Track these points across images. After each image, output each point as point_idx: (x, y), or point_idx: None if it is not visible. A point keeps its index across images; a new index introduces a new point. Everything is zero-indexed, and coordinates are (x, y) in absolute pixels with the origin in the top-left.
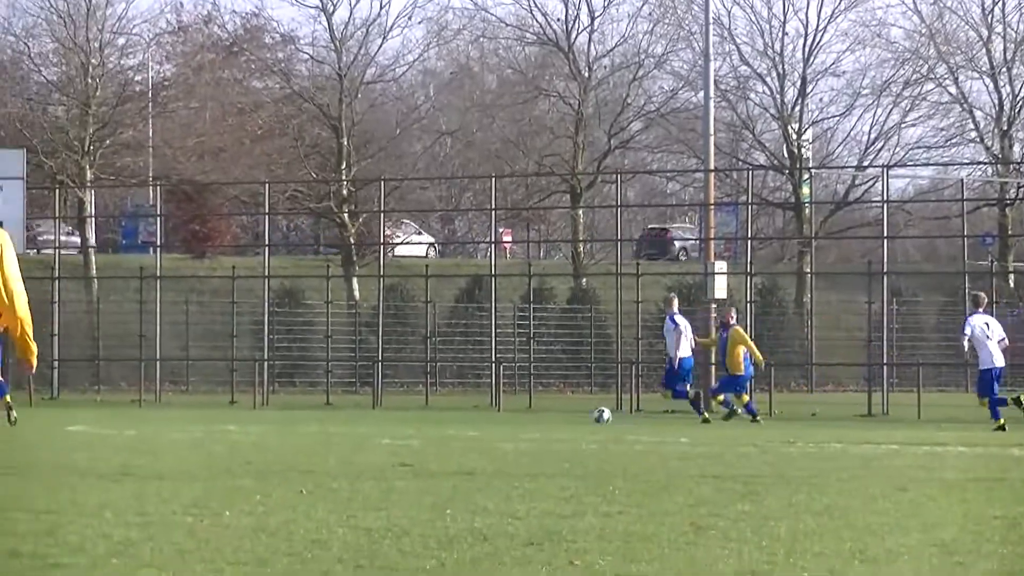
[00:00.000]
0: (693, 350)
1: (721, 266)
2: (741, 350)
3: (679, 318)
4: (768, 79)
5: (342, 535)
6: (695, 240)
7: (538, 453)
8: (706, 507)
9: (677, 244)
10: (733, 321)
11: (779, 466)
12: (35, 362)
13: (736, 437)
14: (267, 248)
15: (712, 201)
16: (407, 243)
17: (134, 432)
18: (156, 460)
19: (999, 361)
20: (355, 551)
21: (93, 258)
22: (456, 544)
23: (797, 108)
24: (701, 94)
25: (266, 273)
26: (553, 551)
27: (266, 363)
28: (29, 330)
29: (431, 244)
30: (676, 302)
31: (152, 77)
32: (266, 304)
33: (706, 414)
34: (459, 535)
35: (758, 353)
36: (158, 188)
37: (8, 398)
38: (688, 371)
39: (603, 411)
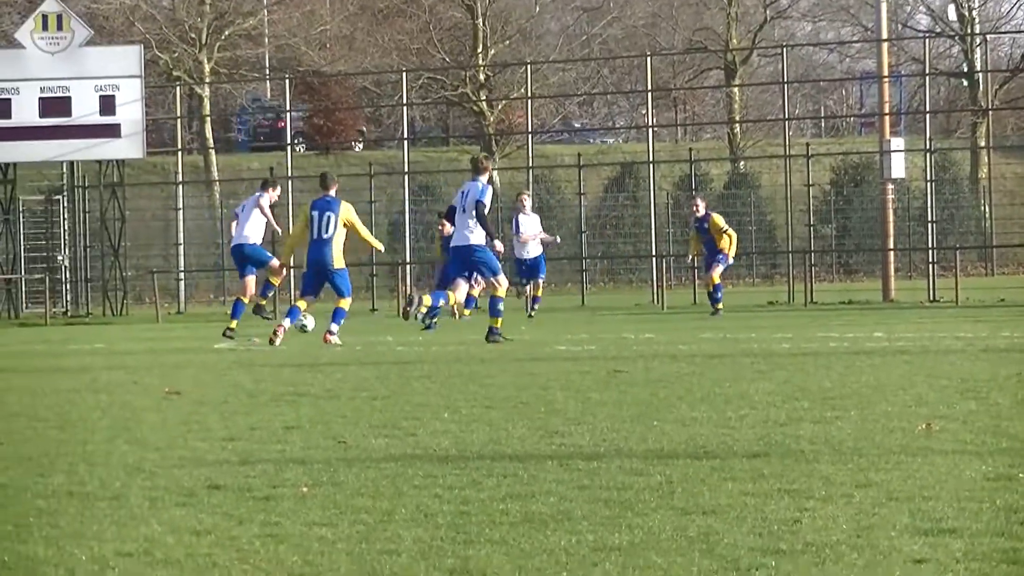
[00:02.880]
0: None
1: (898, 143)
2: (727, 239)
3: None
4: None
5: (550, 452)
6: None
7: (726, 355)
8: (928, 408)
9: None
10: (701, 211)
11: (992, 360)
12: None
13: (935, 331)
14: (406, 141)
15: (886, 73)
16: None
17: (285, 347)
18: (325, 378)
19: None
20: (572, 470)
21: (214, 159)
22: (674, 460)
23: None
24: None
25: (405, 169)
26: (783, 463)
27: (408, 266)
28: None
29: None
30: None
31: None
32: (406, 202)
33: None
34: (675, 449)
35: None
36: (286, 82)
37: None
38: None
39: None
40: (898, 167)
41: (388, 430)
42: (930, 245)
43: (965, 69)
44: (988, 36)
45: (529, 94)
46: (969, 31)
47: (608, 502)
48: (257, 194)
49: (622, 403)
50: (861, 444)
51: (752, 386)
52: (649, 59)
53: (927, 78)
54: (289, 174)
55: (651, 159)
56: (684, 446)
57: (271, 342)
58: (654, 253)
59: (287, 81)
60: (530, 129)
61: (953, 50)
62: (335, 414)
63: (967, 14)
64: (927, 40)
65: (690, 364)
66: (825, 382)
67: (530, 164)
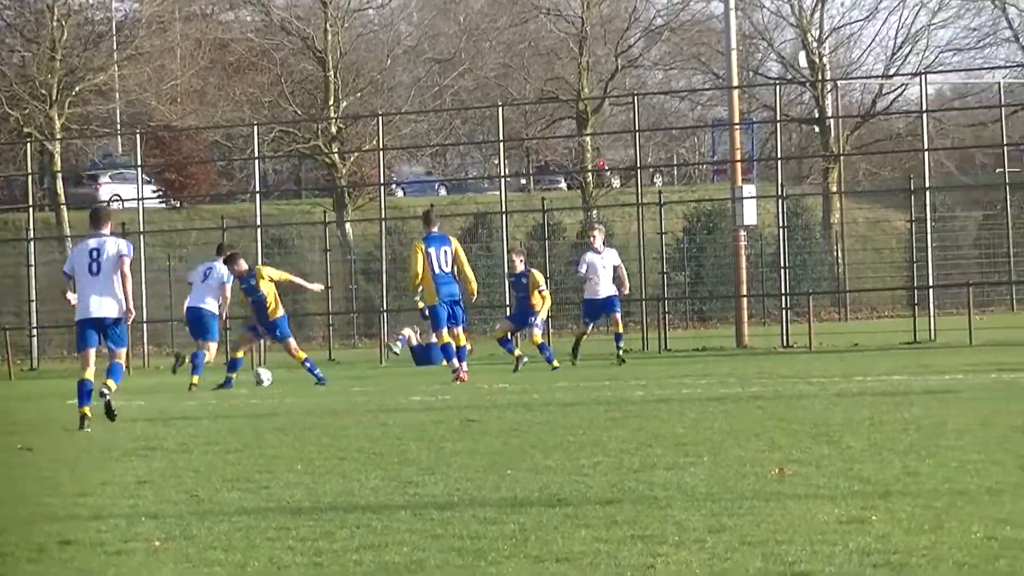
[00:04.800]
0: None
1: (750, 190)
2: (539, 298)
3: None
4: None
5: (403, 502)
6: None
7: (580, 403)
8: (782, 452)
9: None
10: (519, 267)
11: (845, 405)
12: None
13: (788, 376)
14: (258, 195)
15: (737, 120)
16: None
17: (142, 402)
18: (177, 431)
19: None
20: (425, 520)
21: (66, 215)
22: (528, 508)
23: (816, 14)
24: (711, 4)
25: (257, 222)
26: (636, 509)
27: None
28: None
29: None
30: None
31: (117, 16)
32: (259, 255)
33: None
34: (528, 497)
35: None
36: (136, 136)
37: None
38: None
39: (259, 372)
40: (750, 214)
41: (241, 483)
42: (783, 291)
43: (816, 115)
44: (839, 82)
45: (381, 146)
46: (820, 77)
47: (461, 551)
48: (219, 267)
49: (475, 452)
50: (714, 489)
51: (606, 433)
52: (501, 109)
53: (778, 125)
54: (142, 229)
55: (504, 209)
56: (537, 494)
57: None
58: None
59: (138, 136)
60: (382, 181)
61: (804, 96)
62: (187, 468)
63: (817, 61)
64: (778, 87)
65: (544, 412)
66: (678, 428)
67: (383, 216)
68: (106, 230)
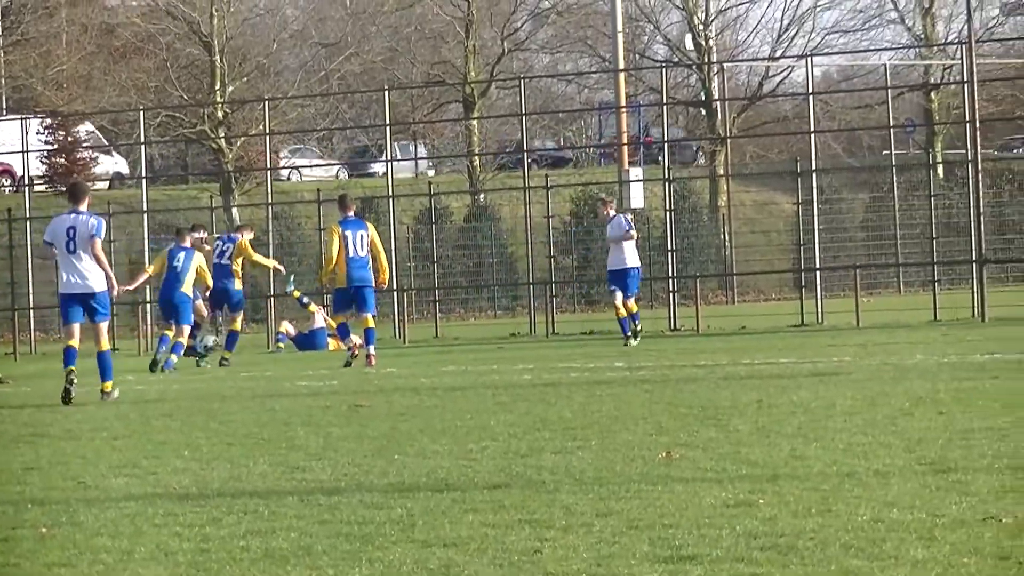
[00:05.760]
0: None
1: (637, 173)
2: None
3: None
4: None
5: (290, 487)
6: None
7: (467, 387)
8: (669, 436)
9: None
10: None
11: (733, 388)
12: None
13: (675, 359)
14: (144, 180)
15: (624, 103)
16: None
17: (29, 388)
18: (64, 418)
19: None
20: (312, 505)
21: None
22: (415, 492)
23: None
24: None
25: (144, 208)
26: (523, 494)
27: (149, 305)
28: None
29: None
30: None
31: (3, 2)
32: (146, 240)
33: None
34: (416, 482)
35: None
36: (20, 122)
37: None
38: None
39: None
40: (637, 197)
41: (128, 469)
42: (670, 274)
43: (703, 98)
44: (725, 65)
45: (267, 130)
46: (706, 60)
47: (349, 536)
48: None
49: (363, 437)
50: (602, 473)
51: (493, 418)
52: (388, 93)
53: (664, 107)
54: (28, 215)
55: (391, 193)
56: (425, 479)
57: None
58: (395, 287)
59: (22, 121)
60: (268, 165)
61: (691, 79)
62: (74, 455)
63: (704, 43)
64: (664, 70)
65: (431, 397)
66: (566, 412)
67: (269, 200)
68: (82, 206)
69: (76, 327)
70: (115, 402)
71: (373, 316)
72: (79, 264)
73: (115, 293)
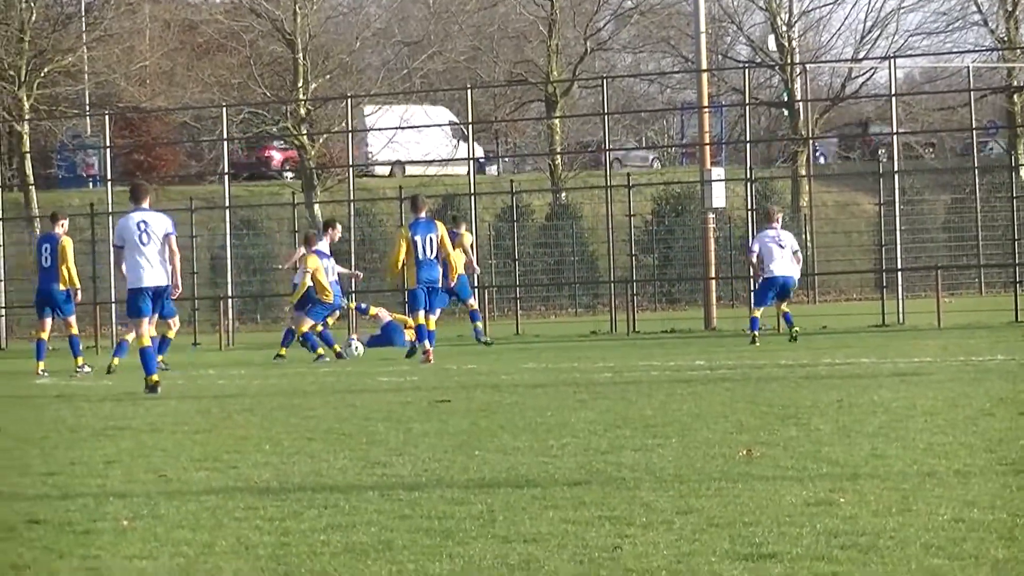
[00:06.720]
0: None
1: (719, 172)
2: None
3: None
4: None
5: (371, 482)
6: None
7: (548, 384)
8: (750, 434)
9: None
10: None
11: (813, 387)
12: None
13: (756, 358)
14: (227, 176)
15: (706, 103)
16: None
17: (110, 382)
18: (146, 411)
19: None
20: (393, 500)
21: (35, 195)
22: (496, 488)
23: None
24: None
25: (226, 203)
26: (604, 491)
27: (231, 300)
28: None
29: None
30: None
31: None
32: (228, 236)
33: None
34: (496, 478)
35: None
36: (105, 118)
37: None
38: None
39: (351, 340)
40: (719, 196)
41: (209, 463)
42: (751, 274)
43: (785, 98)
44: (808, 66)
45: (350, 128)
46: (789, 61)
47: (429, 531)
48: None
49: (444, 433)
50: (682, 471)
51: (574, 415)
52: (470, 92)
53: (747, 108)
54: (110, 210)
55: (472, 191)
56: (505, 475)
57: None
58: (476, 284)
59: (106, 117)
60: (351, 163)
61: (773, 80)
62: (156, 448)
63: (787, 44)
64: (747, 70)
65: (512, 394)
66: (647, 410)
67: (351, 198)
68: (146, 204)
69: (145, 321)
70: (195, 397)
71: (434, 318)
72: (152, 258)
73: (176, 293)
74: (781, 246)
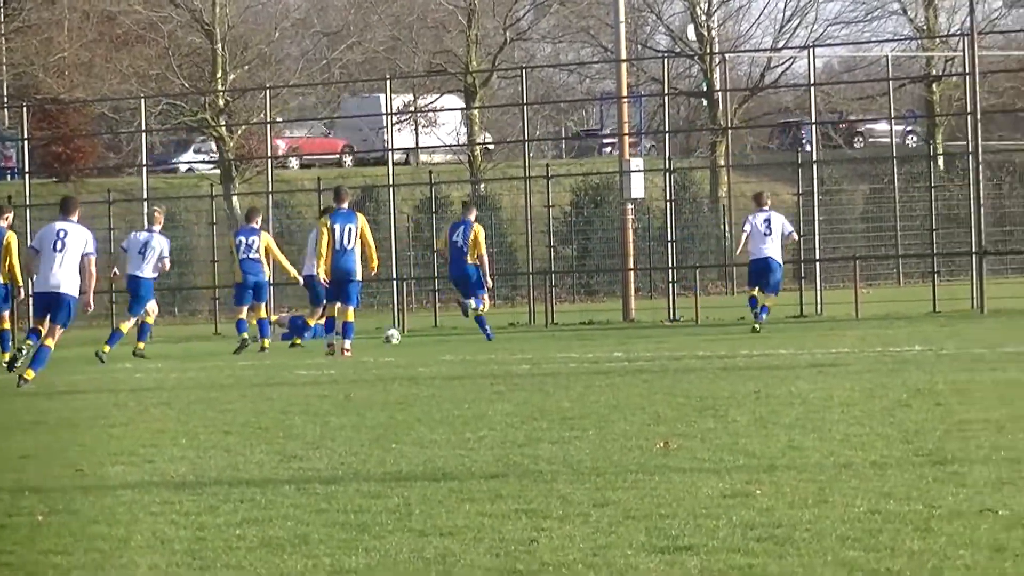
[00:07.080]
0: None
1: (637, 163)
2: None
3: None
4: None
5: (287, 476)
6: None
7: (466, 377)
8: (667, 426)
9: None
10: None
11: (731, 378)
12: None
13: (674, 350)
14: (144, 168)
15: (625, 93)
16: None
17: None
18: (63, 405)
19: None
20: (309, 494)
21: None
22: (412, 482)
23: None
24: None
25: (144, 196)
26: (521, 483)
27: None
28: None
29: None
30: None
31: None
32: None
33: None
34: (412, 471)
35: None
36: (23, 109)
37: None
38: None
39: (391, 332)
40: (638, 187)
41: (125, 457)
42: (670, 265)
43: (704, 88)
44: (727, 55)
45: (268, 119)
46: (708, 50)
47: (345, 525)
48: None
49: (360, 426)
50: (599, 463)
51: (491, 407)
52: (389, 82)
53: (666, 98)
54: (27, 202)
55: (391, 182)
56: (422, 468)
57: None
58: (395, 276)
59: (24, 109)
60: (270, 154)
61: (692, 70)
62: (72, 442)
63: (706, 34)
64: (666, 60)
65: (429, 387)
66: (564, 402)
67: (270, 189)
68: (73, 218)
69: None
70: (111, 390)
71: (353, 309)
72: (61, 267)
73: (89, 310)
74: (766, 233)
